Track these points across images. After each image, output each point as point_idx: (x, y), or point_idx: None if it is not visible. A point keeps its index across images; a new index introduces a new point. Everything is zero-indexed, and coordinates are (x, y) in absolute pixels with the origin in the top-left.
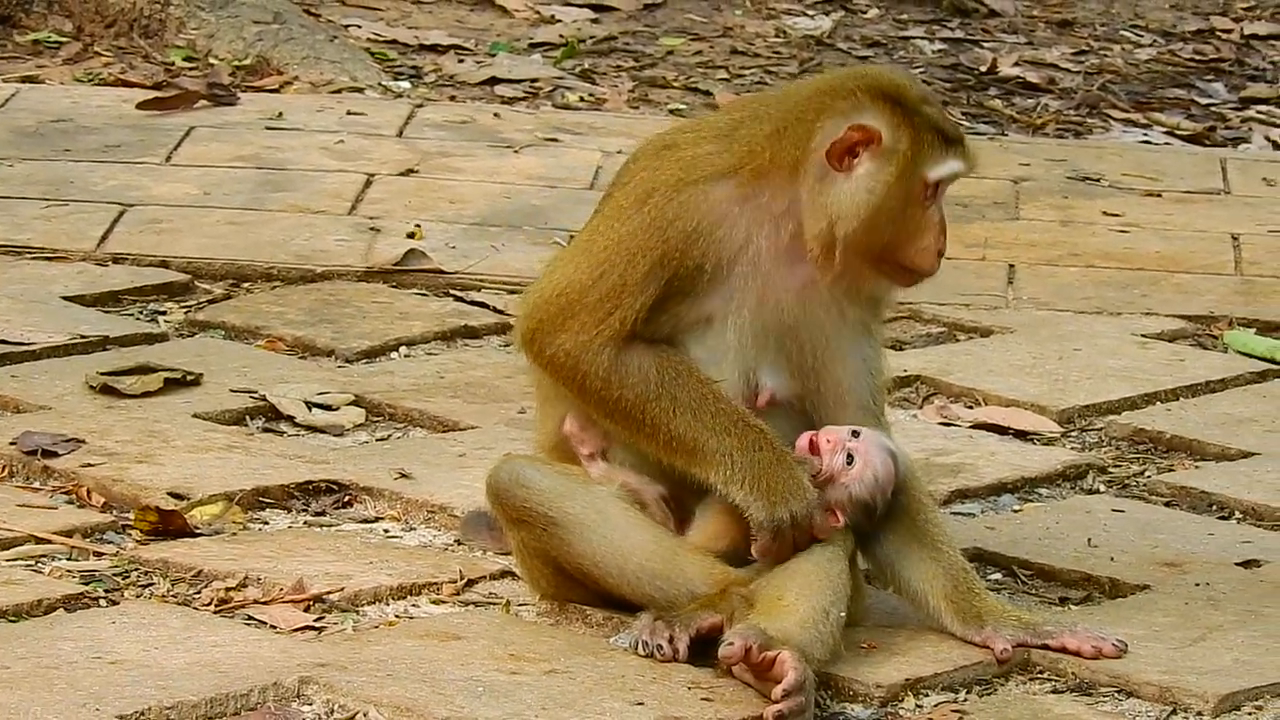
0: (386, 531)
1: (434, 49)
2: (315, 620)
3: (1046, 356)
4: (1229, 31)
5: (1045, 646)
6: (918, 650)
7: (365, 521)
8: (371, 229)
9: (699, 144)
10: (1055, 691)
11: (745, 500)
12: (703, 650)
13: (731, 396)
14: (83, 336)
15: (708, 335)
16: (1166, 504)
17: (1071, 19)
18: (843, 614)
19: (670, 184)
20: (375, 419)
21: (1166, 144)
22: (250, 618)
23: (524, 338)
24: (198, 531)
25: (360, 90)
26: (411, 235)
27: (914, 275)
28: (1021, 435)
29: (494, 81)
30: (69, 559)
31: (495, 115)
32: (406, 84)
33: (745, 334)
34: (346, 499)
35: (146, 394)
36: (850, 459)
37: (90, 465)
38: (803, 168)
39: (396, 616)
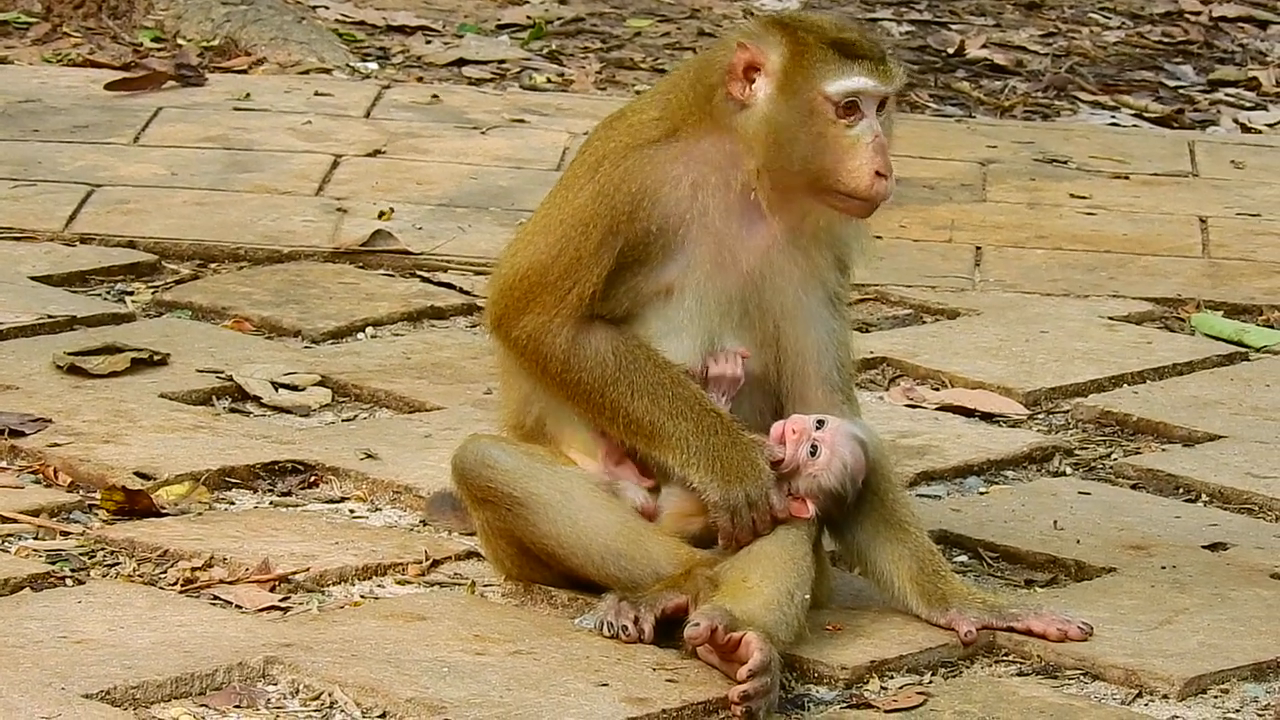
0: (352, 512)
1: (401, 30)
2: (280, 600)
3: (1013, 339)
4: (1197, 14)
5: (1011, 629)
6: (883, 632)
7: (331, 502)
8: (338, 210)
9: (643, 110)
10: (1021, 674)
11: (701, 482)
12: (668, 631)
13: (692, 377)
14: (50, 316)
15: (668, 306)
16: (1133, 486)
17: (1040, 1)
18: (807, 596)
19: (618, 151)
20: (341, 399)
21: (1134, 126)
22: (216, 598)
23: (493, 322)
24: (164, 511)
25: (328, 71)
26: (384, 215)
27: (856, 201)
28: (988, 417)
29: (461, 63)
30: (35, 538)
31: (462, 96)
32: (374, 65)
33: (705, 301)
34: (312, 479)
35: (113, 374)
36: (815, 450)
37: (57, 445)
38: (719, 111)
39: (362, 597)
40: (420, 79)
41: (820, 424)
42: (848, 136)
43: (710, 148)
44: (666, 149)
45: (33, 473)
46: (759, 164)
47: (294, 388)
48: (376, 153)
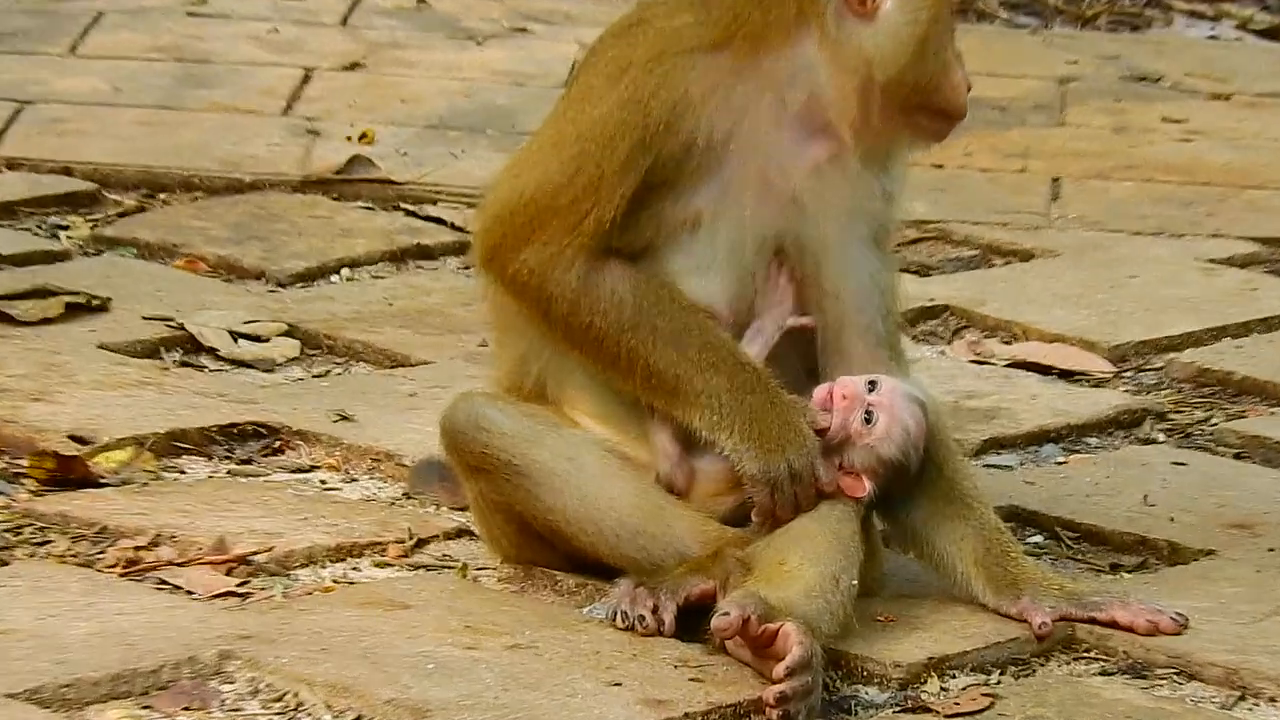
0: (323, 483)
1: None
2: (239, 585)
3: (1097, 284)
4: None
5: (1092, 620)
6: (943, 624)
7: (298, 471)
8: (309, 132)
9: (674, 16)
10: (1104, 673)
11: (735, 449)
12: (692, 622)
13: (722, 322)
14: None
15: (694, 239)
16: (1235, 456)
17: None
18: (854, 581)
19: (650, 57)
20: (311, 352)
21: (1237, 39)
22: (163, 582)
23: (484, 255)
24: (103, 481)
25: None
26: (364, 137)
27: (945, 121)
28: (1067, 375)
29: None
30: None
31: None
32: None
33: (739, 233)
34: (277, 445)
35: (45, 321)
36: (870, 416)
37: None
38: (810, 23)
39: (334, 581)
40: None
41: (873, 385)
42: (951, 49)
43: (772, 63)
44: (713, 58)
45: None
46: (881, 77)
47: (256, 338)
48: (354, 66)
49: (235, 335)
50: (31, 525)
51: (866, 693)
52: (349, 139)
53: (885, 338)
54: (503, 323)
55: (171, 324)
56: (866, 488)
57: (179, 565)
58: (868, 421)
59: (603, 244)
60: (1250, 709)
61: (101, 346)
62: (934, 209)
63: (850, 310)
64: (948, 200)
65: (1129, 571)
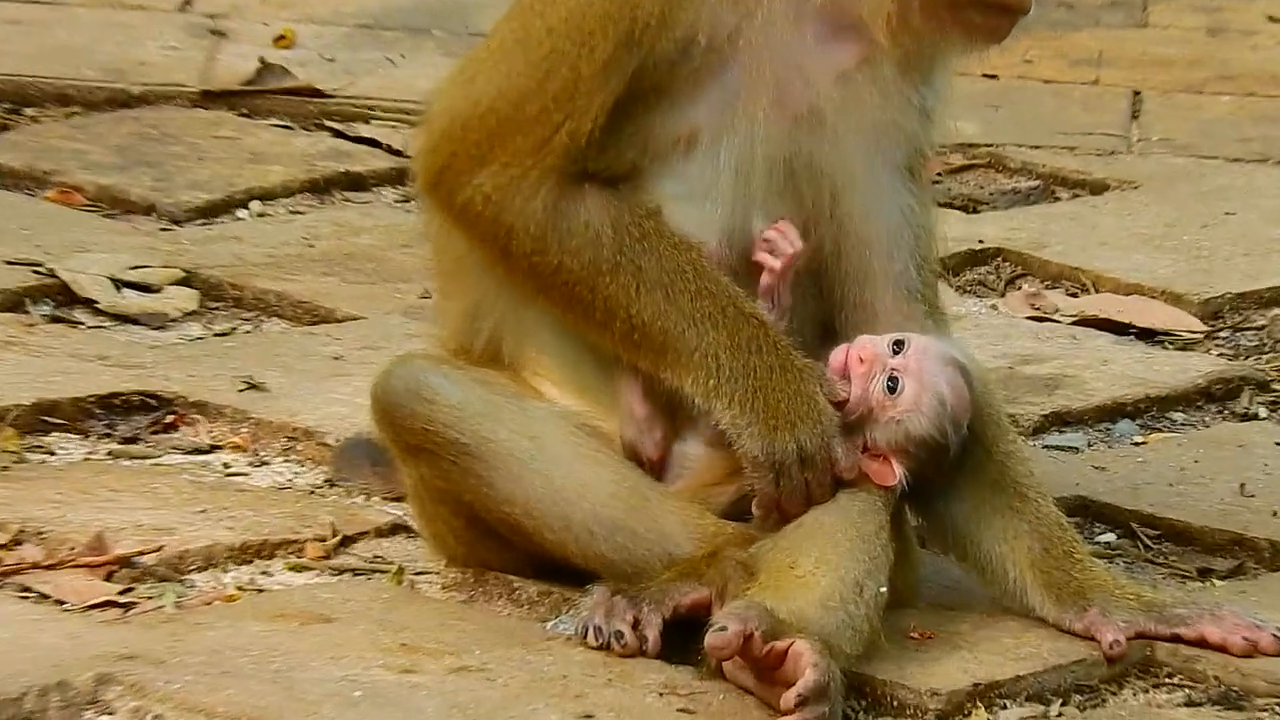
0: (227, 466)
1: None
2: (121, 593)
3: (1185, 222)
4: None
5: (1176, 638)
6: (991, 642)
7: (196, 452)
8: (213, 33)
9: None
10: (1190, 703)
11: (734, 423)
12: (681, 639)
13: (720, 263)
14: None
15: (691, 163)
16: None
17: None
18: (883, 589)
19: None
20: (213, 305)
21: None
22: (26, 589)
23: (429, 181)
24: None
25: None
26: (281, 40)
27: (1006, 16)
28: (1147, 335)
29: None
30: None
31: None
32: None
33: (743, 155)
34: (169, 419)
35: None
36: (894, 383)
37: None
38: None
39: (240, 588)
40: None
41: (899, 346)
42: None
43: None
44: None
45: None
46: None
47: (145, 288)
48: None
49: (119, 284)
50: None
51: None
52: (265, 42)
53: (920, 289)
54: (451, 267)
55: (40, 270)
56: (896, 474)
57: (47, 568)
58: (891, 390)
59: (576, 166)
60: None
61: None
62: (985, 129)
63: (877, 254)
64: (1002, 119)
65: (1221, 578)
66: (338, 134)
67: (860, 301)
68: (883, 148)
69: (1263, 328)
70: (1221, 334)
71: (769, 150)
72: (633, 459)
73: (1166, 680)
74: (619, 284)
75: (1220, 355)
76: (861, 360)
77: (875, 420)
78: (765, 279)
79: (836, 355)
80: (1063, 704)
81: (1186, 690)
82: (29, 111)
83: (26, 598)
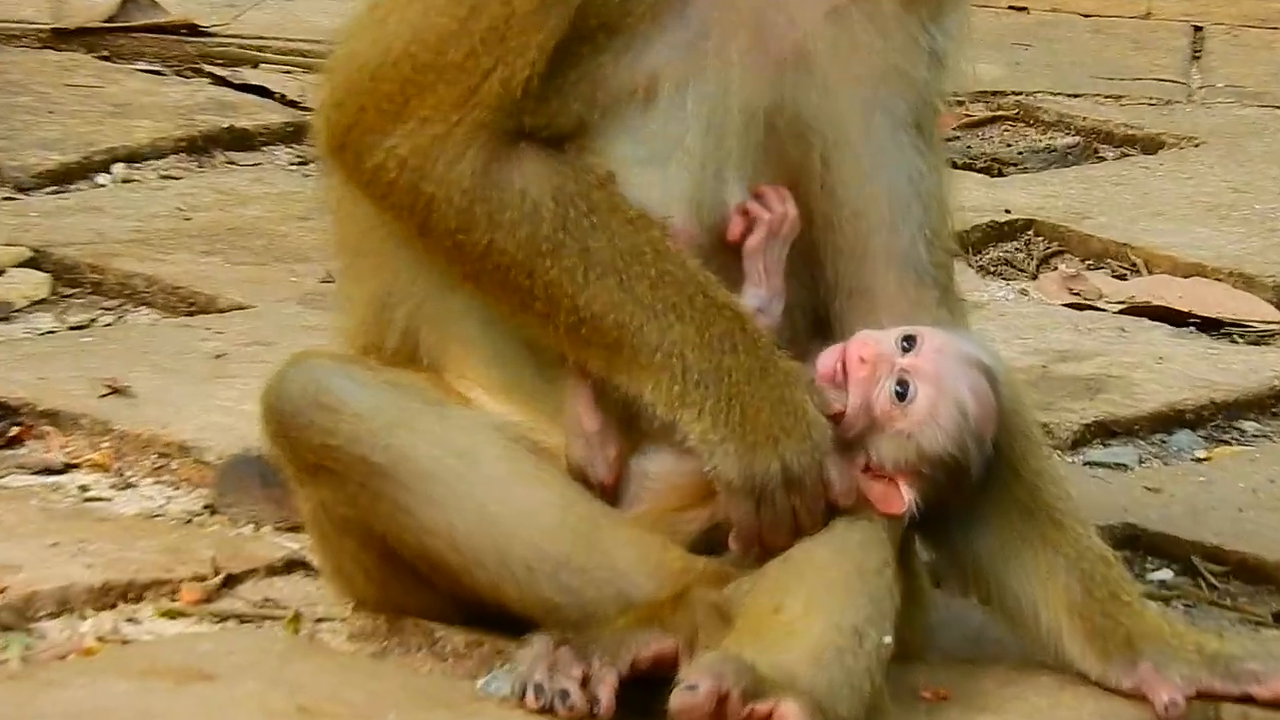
0: (84, 489)
1: None
2: None
3: (1257, 188)
4: None
5: (1247, 699)
6: (1021, 702)
7: (47, 472)
8: None
9: None
10: None
11: (705, 438)
12: (641, 700)
13: (686, 242)
14: None
15: (650, 118)
16: None
17: None
18: (887, 639)
19: None
20: (68, 292)
21: None
22: None
23: (333, 141)
24: None
25: None
26: None
27: None
28: (1211, 326)
29: None
30: None
31: None
32: None
33: (713, 107)
34: (14, 432)
35: None
36: (904, 389)
37: None
38: None
39: (100, 639)
40: None
41: (909, 343)
42: None
43: None
44: None
45: None
46: None
47: None
48: None
49: None
50: None
51: None
52: None
53: (931, 270)
54: (358, 245)
55: None
56: (905, 500)
57: None
58: (901, 397)
59: (510, 123)
60: None
61: None
62: (1012, 74)
63: (878, 229)
64: (1033, 61)
65: None
66: (219, 81)
67: (858, 287)
68: (883, 99)
69: None
70: None
71: (745, 101)
72: (581, 482)
73: None
74: (562, 267)
75: None
76: (863, 360)
77: (880, 434)
78: (749, 251)
79: (827, 358)
80: None
81: None
82: None
83: None
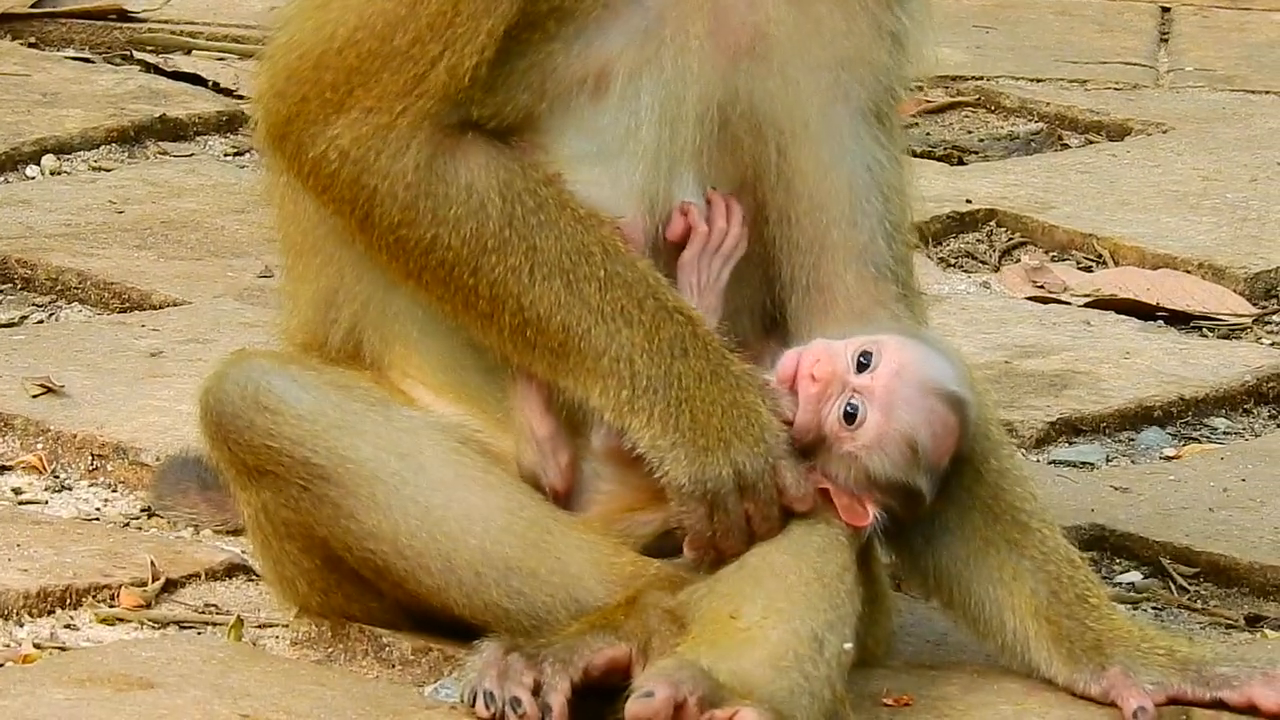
0: (18, 492)
1: None
2: None
3: (1228, 175)
4: None
5: (1219, 704)
6: (987, 709)
7: None
8: None
9: None
10: None
11: (654, 444)
12: (594, 708)
13: (637, 242)
14: None
15: (600, 110)
16: None
17: None
18: (847, 645)
19: None
20: None
21: None
22: None
23: (272, 130)
24: None
25: None
26: None
27: None
28: (1180, 321)
29: None
30: None
31: None
32: None
33: (674, 101)
34: None
35: None
36: (853, 412)
37: None
38: None
39: (37, 646)
40: None
41: (866, 359)
42: None
43: None
44: None
45: None
46: None
47: None
48: None
49: None
50: None
51: None
52: None
53: (890, 265)
54: (299, 240)
55: None
56: (870, 513)
57: None
58: (850, 419)
59: (457, 112)
60: None
61: None
62: (974, 58)
63: (837, 222)
64: (995, 44)
65: (1276, 627)
66: (151, 68)
67: (816, 283)
68: (844, 85)
69: None
70: (1274, 318)
71: (703, 91)
72: (532, 485)
73: None
74: (508, 266)
75: (1273, 345)
76: (814, 379)
77: (829, 451)
78: (682, 264)
79: (786, 363)
80: None
81: None
82: None
83: None
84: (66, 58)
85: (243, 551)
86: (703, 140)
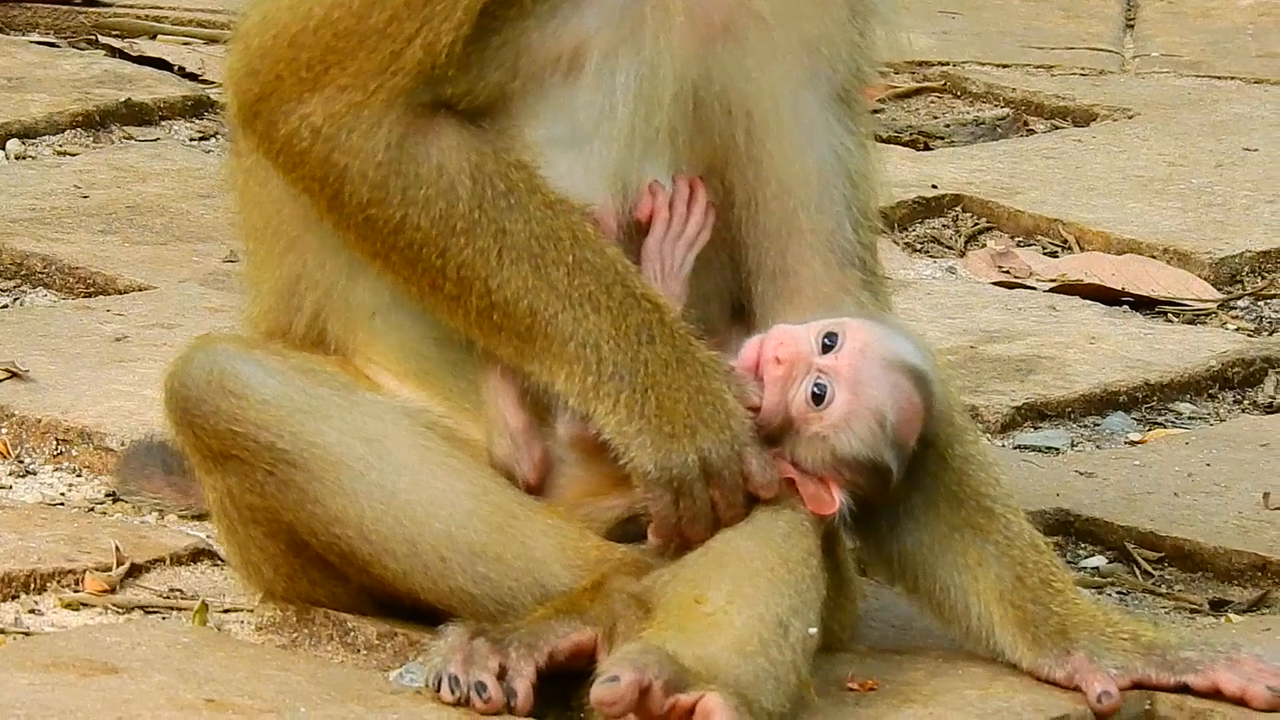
0: None
1: None
2: None
3: (1194, 161)
4: None
5: (1183, 688)
6: (951, 694)
7: None
8: None
9: None
10: None
11: (620, 430)
12: (560, 692)
13: (609, 226)
14: None
15: (574, 91)
16: None
17: None
18: (812, 630)
19: None
20: None
21: None
22: None
23: (245, 110)
24: None
25: None
26: None
27: None
28: (1145, 306)
29: None
30: None
31: None
32: None
33: (649, 83)
34: None
35: None
36: (820, 392)
37: None
38: None
39: (2, 630)
40: None
41: (830, 340)
42: None
43: None
44: None
45: None
46: None
47: None
48: None
49: None
50: None
51: None
52: None
53: (856, 251)
54: (265, 224)
55: None
56: (836, 500)
57: None
58: (818, 400)
59: (430, 93)
60: None
61: None
62: (939, 44)
63: (804, 207)
64: (961, 30)
65: (1240, 612)
66: (116, 53)
67: (782, 269)
68: (815, 68)
69: None
70: (1239, 303)
71: (678, 72)
72: (505, 476)
73: None
74: (476, 248)
75: (1238, 330)
76: (779, 361)
77: (797, 434)
78: (646, 252)
79: (749, 350)
80: None
81: None
82: None
83: None
84: (31, 42)
85: (208, 536)
86: (676, 122)
